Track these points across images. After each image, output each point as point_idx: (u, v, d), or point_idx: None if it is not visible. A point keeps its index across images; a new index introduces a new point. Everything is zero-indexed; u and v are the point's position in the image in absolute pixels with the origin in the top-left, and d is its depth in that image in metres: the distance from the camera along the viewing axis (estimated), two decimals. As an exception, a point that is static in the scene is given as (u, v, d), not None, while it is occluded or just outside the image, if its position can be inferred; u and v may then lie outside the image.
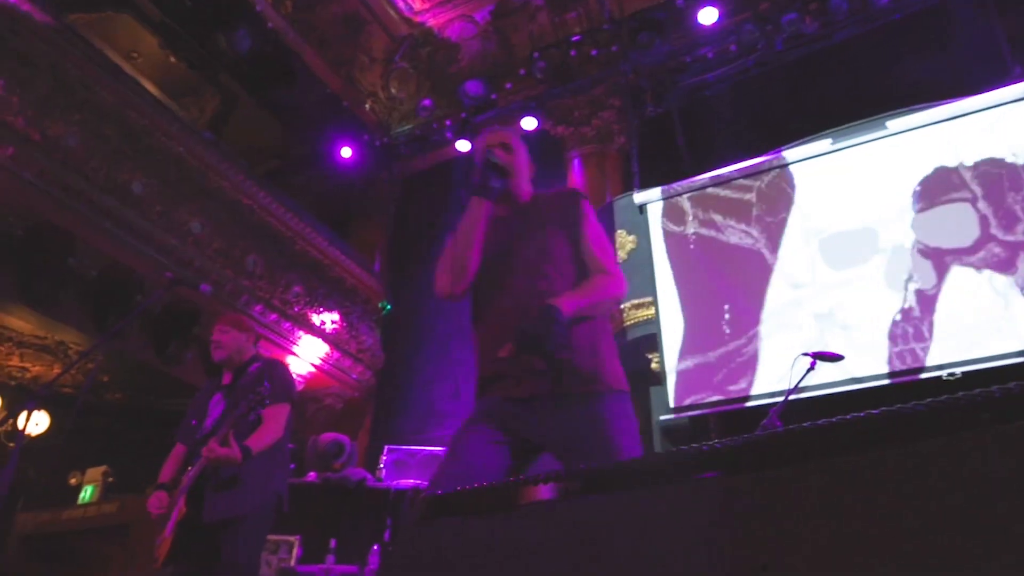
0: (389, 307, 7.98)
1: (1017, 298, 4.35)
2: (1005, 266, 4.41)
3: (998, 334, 4.33)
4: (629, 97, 7.40)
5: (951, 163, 4.86)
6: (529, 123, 7.91)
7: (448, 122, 8.37)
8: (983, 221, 4.60)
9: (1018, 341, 4.29)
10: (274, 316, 6.78)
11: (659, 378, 5.42)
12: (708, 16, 6.82)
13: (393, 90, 9.28)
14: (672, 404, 5.20)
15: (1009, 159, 4.68)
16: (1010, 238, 4.45)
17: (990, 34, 6.33)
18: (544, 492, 1.01)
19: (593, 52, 7.72)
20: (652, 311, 5.56)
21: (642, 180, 6.63)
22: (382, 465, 6.23)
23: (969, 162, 4.81)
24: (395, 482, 5.86)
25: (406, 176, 9.20)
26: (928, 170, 4.93)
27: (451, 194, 8.46)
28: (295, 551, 4.93)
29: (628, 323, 5.73)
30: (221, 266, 6.30)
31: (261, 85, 8.23)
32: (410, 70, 9.22)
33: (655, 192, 5.99)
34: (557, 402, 1.76)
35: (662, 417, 5.23)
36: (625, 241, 5.94)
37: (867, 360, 4.64)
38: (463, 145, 8.21)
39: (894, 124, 5.15)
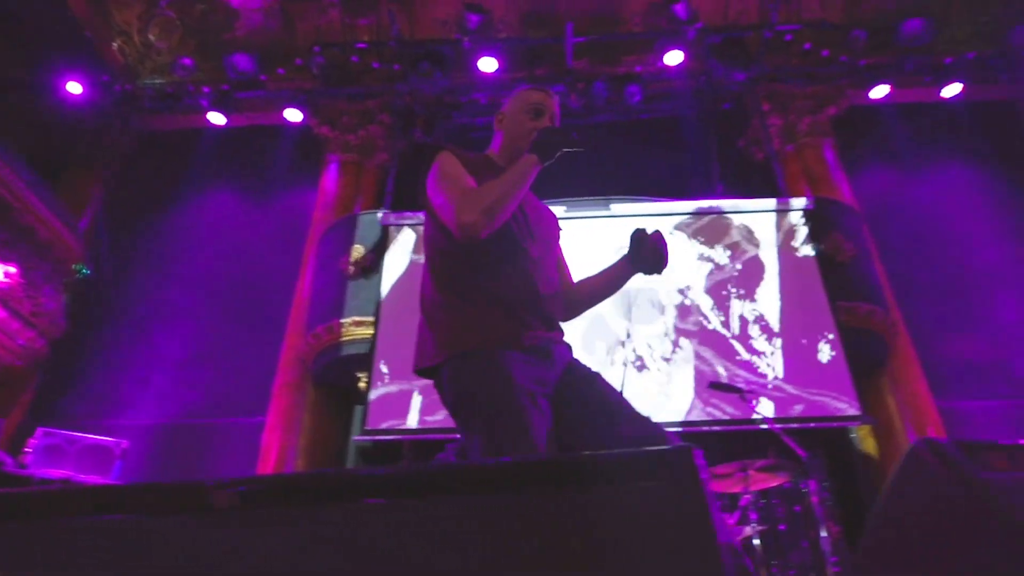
0: (86, 271, 6.99)
1: (679, 375, 5.07)
2: (670, 348, 5.11)
3: (662, 407, 5.01)
4: (400, 118, 7.45)
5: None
6: (294, 115, 7.59)
7: (206, 89, 7.71)
8: (665, 308, 5.30)
9: (676, 414, 5.00)
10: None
11: (363, 398, 5.39)
12: (488, 65, 7.16)
13: (151, 37, 8.33)
14: (368, 426, 5.17)
15: (698, 260, 5.49)
16: (681, 325, 5.18)
17: (707, 152, 7.46)
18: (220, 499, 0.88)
19: (375, 64, 7.68)
20: (371, 331, 5.53)
21: (394, 201, 6.66)
22: (29, 449, 5.36)
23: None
24: (41, 471, 5.08)
25: (144, 133, 8.25)
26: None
27: (190, 164, 7.76)
28: None
29: (345, 338, 5.64)
30: None
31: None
32: (177, 21, 8.36)
33: (402, 215, 6.03)
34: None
35: (355, 438, 5.18)
36: (361, 257, 5.88)
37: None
38: (216, 117, 7.61)
39: (617, 207, 5.78)
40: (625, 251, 1.92)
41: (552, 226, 2.05)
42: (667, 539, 0.57)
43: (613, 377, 1.94)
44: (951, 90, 7.52)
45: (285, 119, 7.66)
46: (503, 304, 1.71)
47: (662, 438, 1.54)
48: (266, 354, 6.31)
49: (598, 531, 0.60)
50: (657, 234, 1.87)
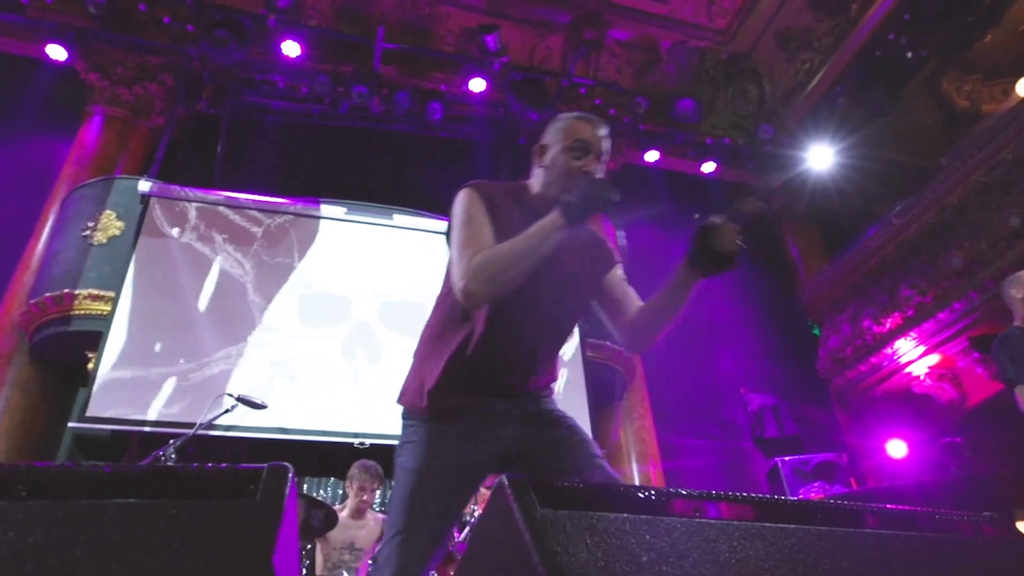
0: None
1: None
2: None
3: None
4: (185, 83, 6.89)
5: (433, 267, 5.68)
6: (58, 52, 6.69)
7: (-55, -2, 6.54)
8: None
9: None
10: None
11: (89, 380, 4.85)
12: (291, 49, 6.88)
13: None
14: (91, 412, 4.66)
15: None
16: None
17: (498, 180, 7.77)
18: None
19: (166, 19, 7.04)
20: (109, 308, 5.02)
21: (162, 170, 6.12)
22: None
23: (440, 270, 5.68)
24: None
25: None
26: (416, 266, 5.67)
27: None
28: None
29: (78, 312, 5.06)
30: None
31: None
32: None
33: (167, 187, 5.57)
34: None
35: (72, 424, 4.65)
36: (111, 225, 5.33)
37: (301, 414, 4.92)
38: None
39: (399, 218, 5.83)
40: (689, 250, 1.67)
41: (587, 267, 1.86)
42: (227, 552, 0.61)
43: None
44: (708, 167, 8.61)
45: (46, 54, 6.72)
46: (445, 373, 1.68)
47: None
48: (-25, 317, 5.44)
49: (168, 539, 0.63)
50: (729, 225, 1.61)
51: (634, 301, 1.87)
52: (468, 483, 1.70)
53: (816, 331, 8.47)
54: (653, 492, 0.88)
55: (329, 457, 5.18)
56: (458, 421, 1.68)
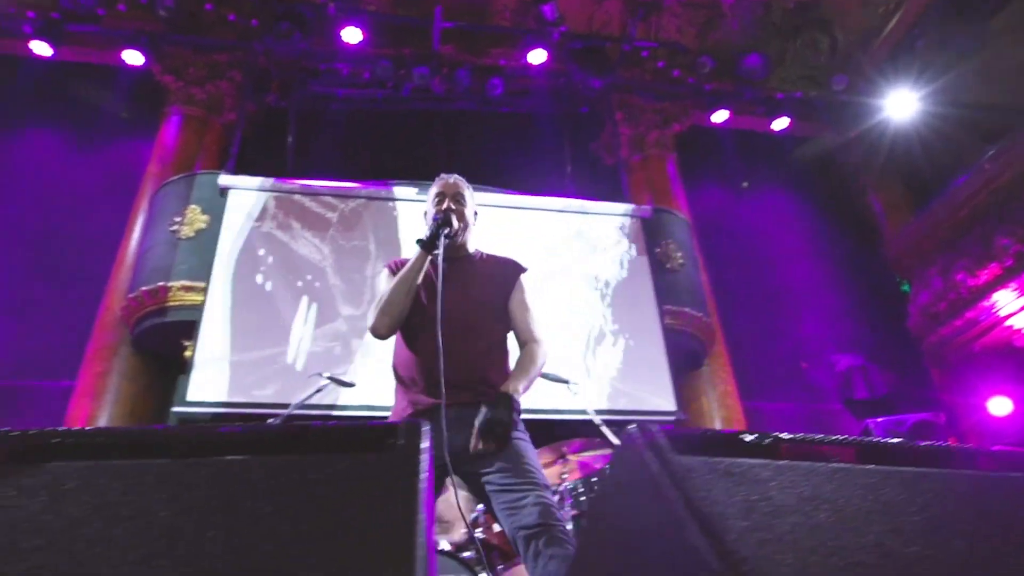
0: None
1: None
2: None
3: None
4: (253, 78, 7.08)
5: (502, 241, 5.70)
6: (134, 57, 6.97)
7: (31, 14, 6.90)
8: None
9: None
10: None
11: (187, 367, 5.10)
12: (352, 36, 6.97)
13: (-34, -55, 7.32)
14: (191, 397, 4.91)
15: (540, 255, 5.70)
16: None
17: (560, 152, 7.74)
18: None
19: (231, 17, 7.24)
20: (201, 298, 5.25)
21: (238, 164, 6.33)
22: None
23: (508, 246, 5.69)
24: None
25: (-52, 53, 7.26)
26: (487, 241, 5.70)
27: (4, 97, 6.93)
28: None
29: (172, 303, 5.32)
30: None
31: None
32: (-1, -66, 7.41)
33: (244, 180, 5.76)
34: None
35: (175, 408, 4.90)
36: (196, 219, 5.56)
37: (386, 392, 5.03)
38: (41, 48, 6.84)
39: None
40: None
41: (486, 288, 2.26)
42: (378, 502, 0.63)
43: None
44: (780, 123, 8.29)
45: (123, 61, 7.02)
46: (400, 380, 2.18)
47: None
48: (81, 314, 5.79)
49: (323, 492, 0.65)
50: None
51: (525, 321, 2.25)
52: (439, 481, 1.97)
53: (905, 287, 8.10)
54: (787, 438, 0.86)
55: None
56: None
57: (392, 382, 2.27)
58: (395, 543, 0.58)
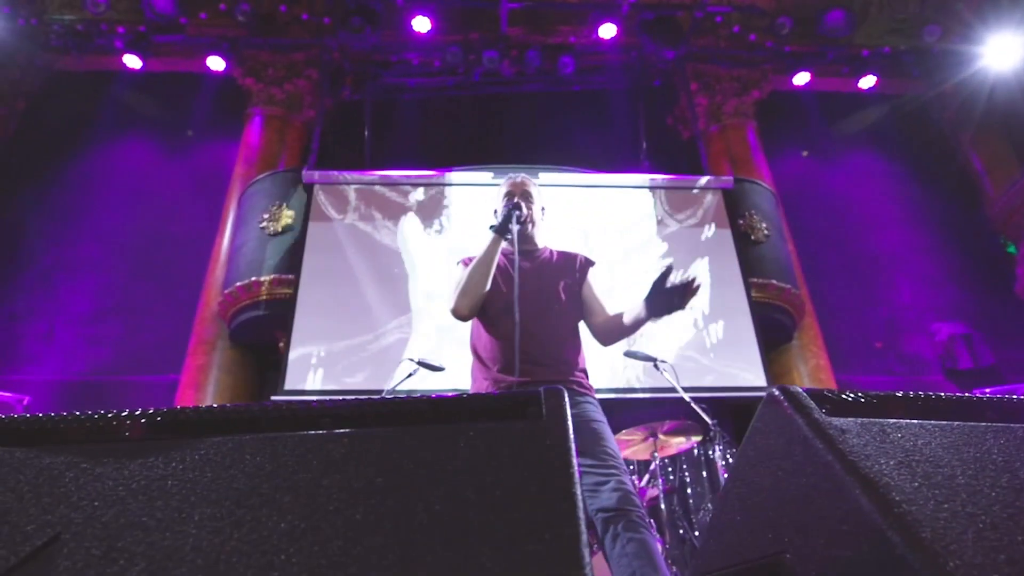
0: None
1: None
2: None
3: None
4: (328, 74, 7.24)
5: (582, 222, 5.66)
6: (216, 63, 7.26)
7: (121, 29, 7.28)
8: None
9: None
10: None
11: (282, 358, 5.30)
12: (421, 24, 7.03)
13: (60, -32, 7.76)
14: (286, 386, 5.11)
15: (620, 232, 5.62)
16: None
17: (635, 128, 7.58)
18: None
19: (304, 16, 7.42)
20: (291, 290, 5.44)
21: (318, 159, 6.50)
22: (-81, 402, 5.06)
23: (585, 225, 5.64)
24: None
25: (52, 71, 7.73)
26: (566, 222, 5.68)
27: (102, 109, 7.34)
28: None
29: (264, 297, 5.53)
30: None
31: None
32: (88, -46, 7.82)
33: (326, 174, 5.91)
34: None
35: (273, 397, 5.11)
36: (283, 215, 5.75)
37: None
38: (131, 61, 7.21)
39: (545, 176, 5.84)
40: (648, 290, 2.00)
41: (557, 278, 2.32)
42: (533, 469, 0.63)
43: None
44: (867, 82, 7.88)
45: (207, 67, 7.32)
46: (480, 361, 2.23)
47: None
48: (180, 312, 6.11)
49: (472, 459, 0.65)
50: (683, 283, 1.95)
51: (603, 307, 2.33)
52: None
53: (1011, 248, 7.58)
54: (938, 397, 0.81)
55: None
56: None
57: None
58: (556, 509, 0.58)
